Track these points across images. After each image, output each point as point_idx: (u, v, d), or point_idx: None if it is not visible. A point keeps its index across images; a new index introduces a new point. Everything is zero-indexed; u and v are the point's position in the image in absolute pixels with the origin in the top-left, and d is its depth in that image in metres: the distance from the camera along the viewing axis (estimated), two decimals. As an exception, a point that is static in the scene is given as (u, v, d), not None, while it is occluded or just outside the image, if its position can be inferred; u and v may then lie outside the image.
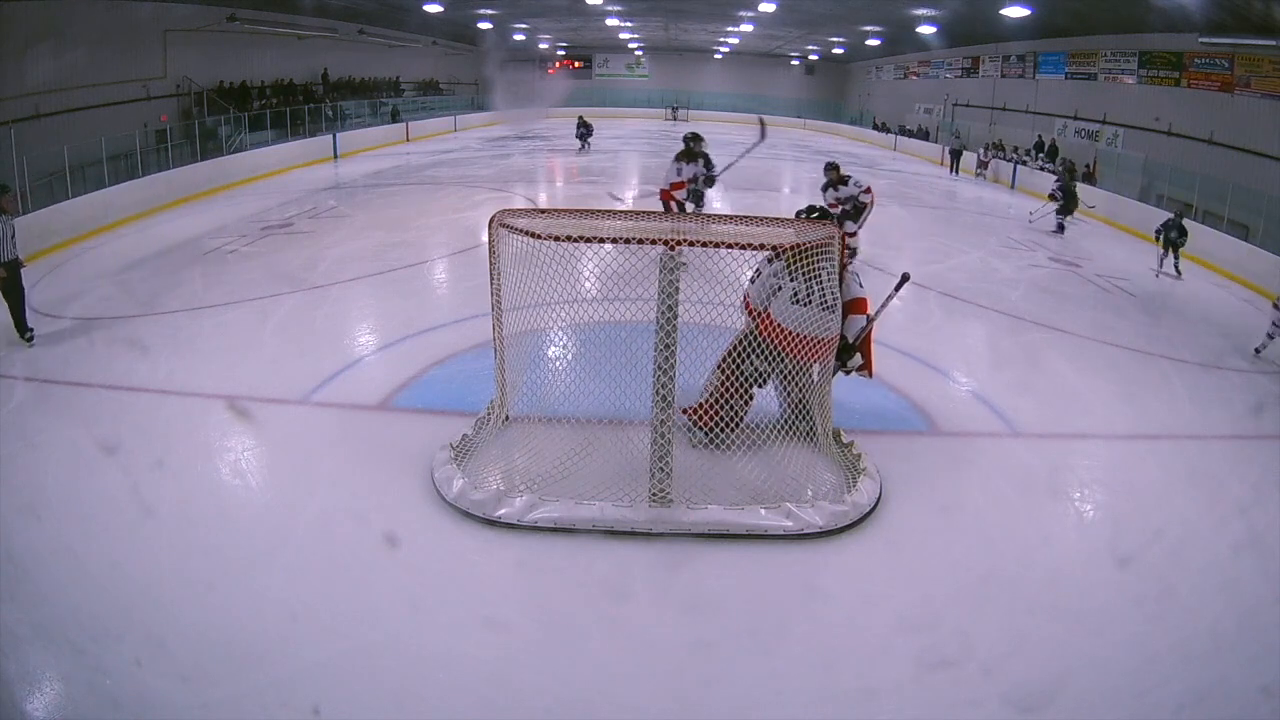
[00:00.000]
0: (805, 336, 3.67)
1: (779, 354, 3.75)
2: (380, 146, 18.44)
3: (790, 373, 3.78)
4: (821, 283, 3.65)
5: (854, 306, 3.93)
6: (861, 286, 3.99)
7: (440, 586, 3.00)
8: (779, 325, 3.70)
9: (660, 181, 8.33)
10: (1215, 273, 10.00)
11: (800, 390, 3.77)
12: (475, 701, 2.46)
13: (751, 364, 3.78)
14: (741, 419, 3.81)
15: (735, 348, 3.82)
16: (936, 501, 3.68)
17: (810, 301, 3.67)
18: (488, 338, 4.03)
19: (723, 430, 3.77)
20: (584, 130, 18.76)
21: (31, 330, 5.45)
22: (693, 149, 7.94)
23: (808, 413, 3.79)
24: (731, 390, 3.78)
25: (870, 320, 3.97)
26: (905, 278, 3.96)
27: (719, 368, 3.85)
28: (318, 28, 17.97)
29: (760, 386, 3.93)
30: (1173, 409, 5.15)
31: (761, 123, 9.88)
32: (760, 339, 3.73)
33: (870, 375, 4.11)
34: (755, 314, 3.80)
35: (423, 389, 4.70)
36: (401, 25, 20.95)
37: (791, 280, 3.70)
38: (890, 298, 3.99)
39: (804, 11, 19.47)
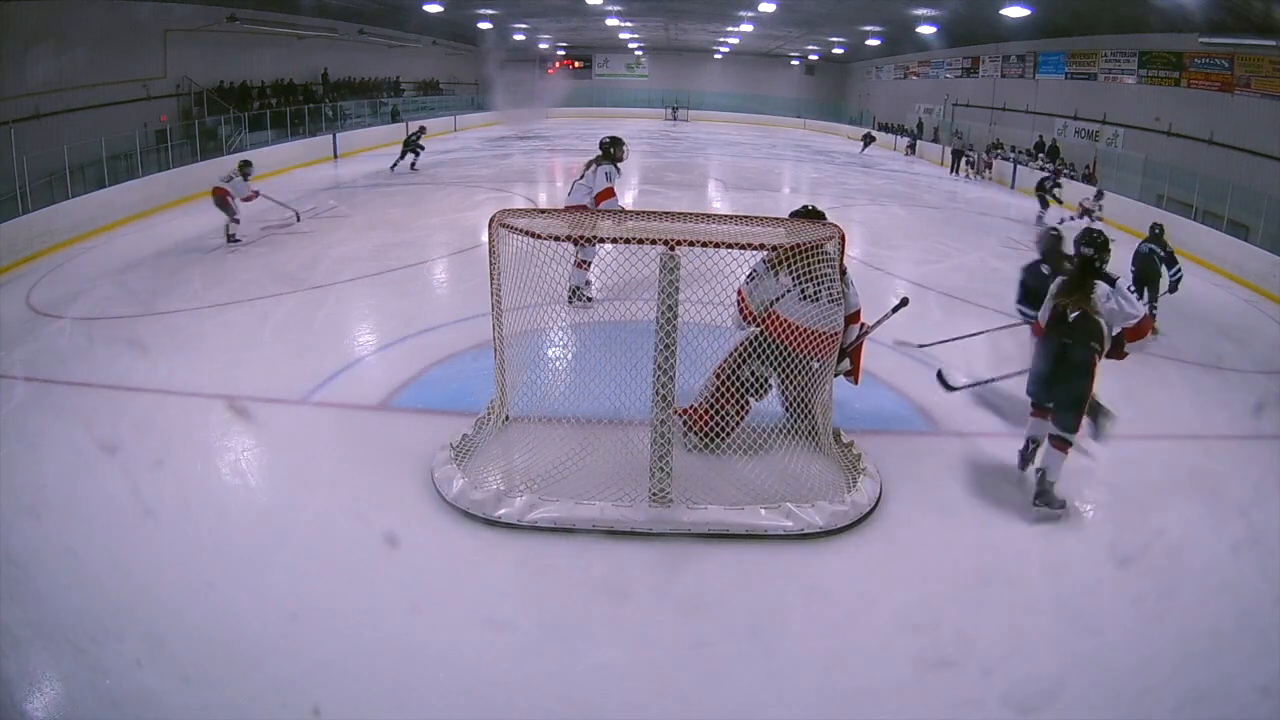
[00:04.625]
0: (813, 331, 3.68)
1: (787, 353, 3.72)
2: (380, 146, 18.41)
3: (792, 372, 3.78)
4: (823, 279, 3.67)
5: (853, 318, 3.99)
6: (858, 298, 4.03)
7: (440, 586, 2.99)
8: (787, 322, 3.69)
9: None
10: (1215, 273, 9.98)
11: (802, 390, 3.77)
12: (475, 701, 2.46)
13: (750, 369, 3.77)
14: (733, 428, 3.80)
15: (736, 353, 3.81)
16: (936, 501, 3.68)
17: (819, 298, 3.70)
18: (488, 338, 4.03)
19: (713, 438, 3.78)
20: (417, 134, 14.28)
21: None
22: None
23: (810, 413, 3.79)
24: (726, 398, 3.76)
25: (864, 332, 4.02)
26: (904, 301, 4.07)
27: (716, 373, 3.83)
28: (318, 28, 17.96)
29: (758, 397, 3.90)
30: (1173, 409, 5.14)
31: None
32: (766, 342, 3.71)
33: (857, 382, 4.16)
34: (757, 318, 3.78)
35: (423, 389, 4.69)
36: (401, 25, 20.94)
37: (794, 280, 3.69)
38: (886, 317, 4.06)
39: (804, 11, 19.47)
